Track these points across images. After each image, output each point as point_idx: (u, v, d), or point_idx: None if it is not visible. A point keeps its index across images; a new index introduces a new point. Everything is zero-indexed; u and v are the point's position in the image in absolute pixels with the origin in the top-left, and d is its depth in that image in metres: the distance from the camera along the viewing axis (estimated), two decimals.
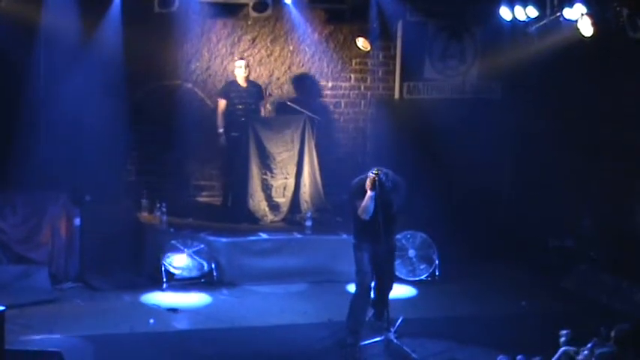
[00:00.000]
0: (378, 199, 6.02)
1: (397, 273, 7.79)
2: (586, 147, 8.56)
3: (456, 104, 9.33)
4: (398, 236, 7.71)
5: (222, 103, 8.73)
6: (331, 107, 9.50)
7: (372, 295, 6.46)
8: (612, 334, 5.12)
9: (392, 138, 9.11)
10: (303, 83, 9.35)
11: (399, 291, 7.63)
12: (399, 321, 6.69)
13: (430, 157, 8.98)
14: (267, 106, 9.28)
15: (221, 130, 8.66)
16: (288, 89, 9.32)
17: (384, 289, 6.43)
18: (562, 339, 5.62)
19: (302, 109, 8.77)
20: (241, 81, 8.77)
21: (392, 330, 6.39)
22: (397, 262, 7.74)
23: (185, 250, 8.03)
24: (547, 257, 8.85)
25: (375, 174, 5.97)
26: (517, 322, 7.16)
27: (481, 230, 8.97)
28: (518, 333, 6.76)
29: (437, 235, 8.41)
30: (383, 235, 6.09)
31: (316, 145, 8.85)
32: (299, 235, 8.38)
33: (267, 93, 9.18)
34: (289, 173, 8.80)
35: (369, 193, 5.94)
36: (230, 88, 8.77)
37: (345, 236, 7.82)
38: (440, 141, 8.89)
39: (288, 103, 9.02)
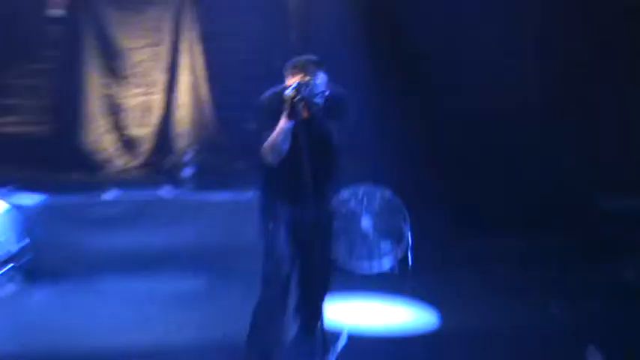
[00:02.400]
0: (302, 129, 5.27)
1: (338, 259, 7.54)
2: None
3: None
4: (341, 194, 7.50)
5: None
6: None
7: (292, 296, 5.71)
8: None
9: (337, 18, 8.43)
10: None
11: (342, 291, 7.16)
12: (342, 340, 6.29)
13: (402, 56, 8.47)
14: None
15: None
16: None
17: (313, 286, 5.61)
18: None
19: None
20: None
21: (329, 356, 5.77)
22: (339, 241, 7.52)
23: None
24: (595, 228, 8.34)
25: (297, 87, 5.12)
26: (543, 340, 6.53)
27: (485, 186, 8.48)
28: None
29: (410, 193, 7.86)
30: (310, 191, 5.30)
31: (203, 36, 8.34)
32: (171, 193, 7.78)
33: None
34: (154, 85, 8.30)
35: (283, 122, 5.21)
36: None
37: (251, 194, 7.11)
38: (419, 27, 8.20)
39: None
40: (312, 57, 5.49)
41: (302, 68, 5.36)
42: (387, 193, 7.94)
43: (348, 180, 7.53)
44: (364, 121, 6.09)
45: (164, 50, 8.36)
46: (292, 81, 5.33)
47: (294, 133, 5.40)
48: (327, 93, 5.42)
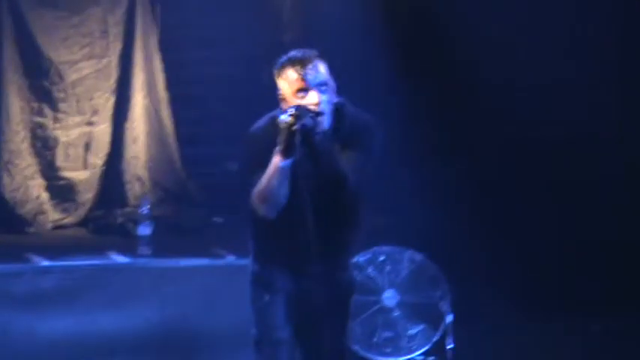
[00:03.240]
0: (306, 169, 4.41)
1: (354, 345, 6.74)
2: None
3: None
4: (359, 258, 6.64)
5: None
6: None
7: None
8: None
9: (352, 19, 7.61)
10: None
11: None
12: None
13: (441, 73, 7.63)
14: None
15: None
16: None
17: None
18: None
19: None
20: None
21: None
22: (355, 321, 6.66)
23: None
24: None
25: (296, 112, 4.22)
26: None
27: (552, 251, 7.56)
28: None
29: (451, 259, 6.95)
30: (318, 254, 4.53)
31: (162, 46, 7.59)
32: (123, 259, 6.71)
33: None
34: (98, 111, 7.47)
35: (276, 160, 4.28)
36: None
37: (232, 259, 6.51)
38: (462, 34, 7.37)
39: None
40: (313, 52, 4.47)
41: (301, 68, 4.37)
42: (419, 257, 6.93)
43: (367, 239, 6.45)
44: (388, 160, 5.01)
45: (112, 64, 7.54)
46: (288, 97, 4.38)
47: (294, 175, 4.52)
48: (340, 115, 4.48)
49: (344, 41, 7.68)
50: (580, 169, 8.15)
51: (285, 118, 4.26)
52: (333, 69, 4.70)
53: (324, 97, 4.39)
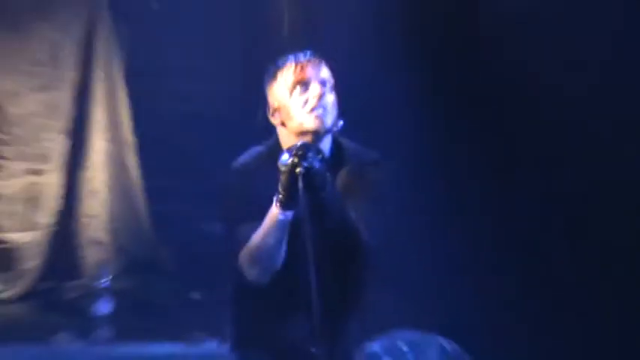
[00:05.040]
0: (308, 223, 3.88)
1: None
2: None
3: None
4: (372, 345, 6.02)
5: None
6: None
7: None
8: None
9: (355, 42, 7.12)
10: None
11: None
12: None
13: (474, 107, 6.86)
14: None
15: None
16: None
17: None
18: None
19: None
20: None
21: None
22: None
23: None
24: None
25: (299, 151, 3.79)
26: None
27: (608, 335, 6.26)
28: None
29: (485, 346, 6.21)
30: (321, 334, 3.99)
31: (128, 77, 7.19)
32: (76, 344, 6.24)
33: None
34: (46, 157, 7.06)
35: (275, 211, 3.85)
36: None
37: (212, 345, 5.93)
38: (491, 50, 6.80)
39: None
40: (313, 56, 4.11)
41: (300, 60, 4.01)
42: (447, 344, 6.30)
43: (379, 319, 5.79)
44: (404, 221, 5.12)
45: (65, 97, 6.99)
46: (282, 103, 3.99)
47: (294, 231, 4.07)
48: (338, 144, 4.11)
49: (356, 68, 7.44)
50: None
51: (286, 158, 3.83)
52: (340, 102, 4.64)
53: (330, 97, 3.97)
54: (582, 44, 8.02)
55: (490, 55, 7.90)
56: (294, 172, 3.87)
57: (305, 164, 3.87)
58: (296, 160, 3.85)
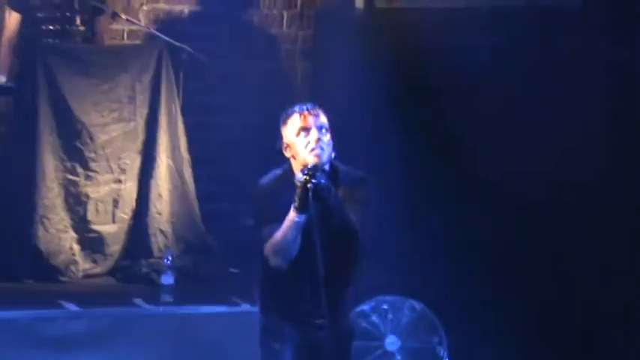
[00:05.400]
0: (317, 223, 4.98)
1: None
2: None
3: (482, 22, 8.14)
4: (363, 307, 7.18)
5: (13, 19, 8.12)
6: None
7: None
8: None
9: (352, 92, 8.28)
10: None
11: None
12: None
13: (436, 135, 8.09)
14: (106, 26, 8.58)
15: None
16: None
17: None
18: None
19: (176, 42, 8.05)
20: None
21: None
22: None
23: None
24: None
25: (306, 175, 4.86)
26: None
27: (562, 296, 7.67)
28: None
29: (449, 306, 7.47)
30: (326, 303, 5.06)
31: (184, 111, 8.01)
32: (147, 307, 7.26)
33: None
34: (125, 170, 7.95)
35: (292, 215, 4.91)
36: None
37: (247, 307, 6.99)
38: (454, 97, 7.82)
39: (143, 26, 8.66)
40: (314, 107, 5.19)
41: (304, 111, 5.07)
42: (419, 306, 7.51)
43: (368, 289, 7.23)
44: (387, 213, 6.28)
45: (138, 127, 8.00)
46: (290, 141, 5.05)
47: (307, 228, 5.10)
48: (344, 176, 5.12)
49: (353, 112, 8.14)
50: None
51: (300, 177, 4.86)
52: (339, 136, 5.31)
53: (325, 138, 4.97)
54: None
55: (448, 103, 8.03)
56: (307, 186, 4.92)
57: (314, 181, 4.89)
58: (307, 177, 4.89)
